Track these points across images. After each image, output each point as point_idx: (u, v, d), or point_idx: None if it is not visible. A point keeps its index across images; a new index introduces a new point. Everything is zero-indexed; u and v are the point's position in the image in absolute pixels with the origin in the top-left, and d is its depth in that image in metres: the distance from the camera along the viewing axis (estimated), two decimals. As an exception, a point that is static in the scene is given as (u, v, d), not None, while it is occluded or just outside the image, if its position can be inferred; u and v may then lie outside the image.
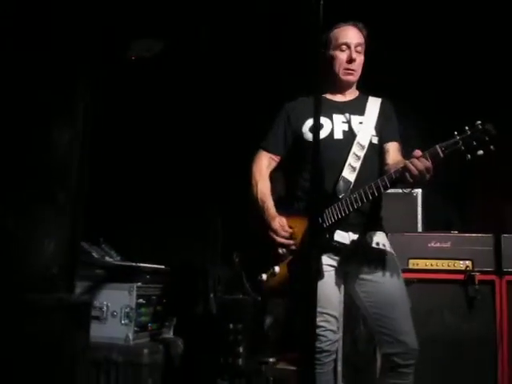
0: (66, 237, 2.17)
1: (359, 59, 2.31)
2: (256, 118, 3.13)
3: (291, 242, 2.14)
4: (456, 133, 1.87)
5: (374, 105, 2.35)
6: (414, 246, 3.57)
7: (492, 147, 1.83)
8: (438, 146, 1.89)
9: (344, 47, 2.29)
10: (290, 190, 2.34)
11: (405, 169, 1.92)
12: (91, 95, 2.30)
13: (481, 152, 1.83)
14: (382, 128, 2.32)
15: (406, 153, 2.32)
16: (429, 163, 1.88)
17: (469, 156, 1.85)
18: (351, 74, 2.32)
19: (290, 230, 2.15)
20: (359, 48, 2.31)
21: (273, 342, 4.30)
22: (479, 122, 1.84)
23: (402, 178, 1.95)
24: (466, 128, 1.86)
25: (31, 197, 2.03)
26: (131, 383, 2.75)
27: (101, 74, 2.44)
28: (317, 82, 1.63)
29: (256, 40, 4.08)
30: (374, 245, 2.18)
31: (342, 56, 2.29)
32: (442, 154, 1.87)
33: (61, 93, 2.17)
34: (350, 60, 2.29)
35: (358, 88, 2.43)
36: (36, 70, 2.06)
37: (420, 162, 1.88)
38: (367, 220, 2.21)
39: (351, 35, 2.31)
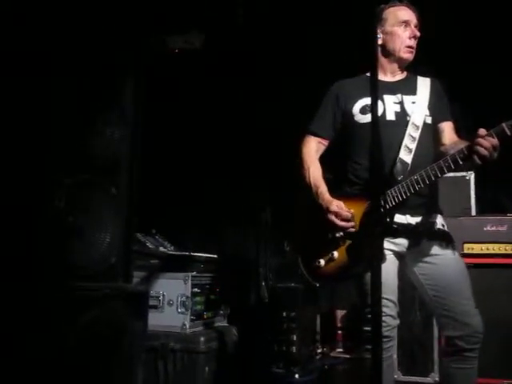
0: (122, 228, 2.22)
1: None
2: (303, 102, 3.08)
3: (352, 223, 2.11)
4: None
5: (424, 84, 2.30)
6: (469, 230, 3.50)
7: None
8: (504, 124, 1.84)
9: (405, 25, 2.25)
10: (339, 174, 2.30)
11: (471, 149, 1.88)
12: (141, 92, 2.35)
13: None
14: (434, 107, 2.26)
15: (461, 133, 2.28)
16: (496, 141, 1.84)
17: None
18: (411, 52, 2.27)
19: (352, 211, 2.11)
20: (417, 28, 2.27)
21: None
22: None
23: (466, 159, 1.91)
24: None
25: (86, 191, 2.08)
26: (188, 370, 2.79)
27: (149, 70, 2.47)
28: (373, 61, 1.58)
29: (300, 20, 4.02)
30: (433, 227, 2.14)
31: (405, 33, 2.25)
32: (509, 132, 1.83)
33: (111, 91, 2.22)
34: (414, 36, 2.25)
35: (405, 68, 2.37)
36: (90, 71, 2.12)
37: (486, 141, 1.85)
38: (425, 202, 2.16)
39: (411, 14, 2.28)
